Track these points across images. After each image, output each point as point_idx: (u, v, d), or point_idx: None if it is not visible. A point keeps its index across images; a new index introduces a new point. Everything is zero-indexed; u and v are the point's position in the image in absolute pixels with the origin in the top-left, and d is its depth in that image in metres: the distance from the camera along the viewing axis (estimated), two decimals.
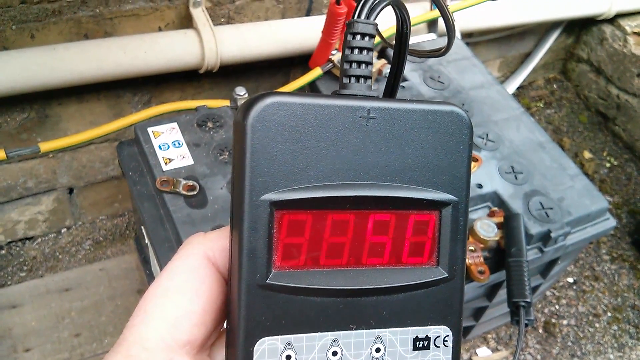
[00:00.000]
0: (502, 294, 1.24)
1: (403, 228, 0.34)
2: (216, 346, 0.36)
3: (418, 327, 0.35)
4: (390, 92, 0.39)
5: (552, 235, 1.16)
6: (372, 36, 0.34)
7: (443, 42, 1.46)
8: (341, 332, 0.33)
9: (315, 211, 0.32)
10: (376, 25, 0.34)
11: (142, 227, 1.22)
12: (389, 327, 0.34)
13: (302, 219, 0.32)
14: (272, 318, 0.32)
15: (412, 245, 0.35)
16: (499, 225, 1.15)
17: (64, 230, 1.71)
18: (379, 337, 0.34)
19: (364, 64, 0.34)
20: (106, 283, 1.58)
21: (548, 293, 1.83)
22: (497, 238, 1.13)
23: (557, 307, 1.80)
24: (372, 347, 0.34)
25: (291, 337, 0.32)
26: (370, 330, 0.34)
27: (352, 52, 0.34)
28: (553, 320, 1.76)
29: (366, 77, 0.35)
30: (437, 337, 0.35)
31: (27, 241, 1.68)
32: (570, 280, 1.88)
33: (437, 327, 0.35)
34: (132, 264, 1.62)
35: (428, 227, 0.35)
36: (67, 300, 1.54)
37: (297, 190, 0.32)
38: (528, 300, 1.05)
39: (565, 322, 1.77)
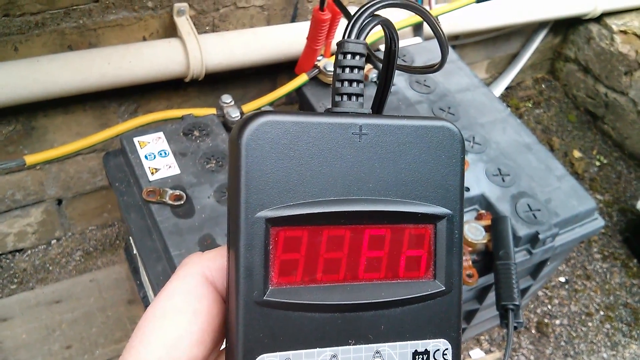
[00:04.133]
0: (492, 296, 1.23)
1: (399, 242, 0.34)
2: None
3: (417, 341, 0.35)
4: (377, 107, 0.39)
5: (540, 237, 1.17)
6: (362, 55, 0.35)
7: (428, 46, 1.45)
8: (340, 348, 0.33)
9: (311, 227, 0.33)
10: (366, 44, 0.35)
11: (130, 237, 1.21)
12: (387, 342, 0.34)
13: (298, 235, 0.33)
14: (270, 335, 0.32)
15: (409, 259, 0.35)
16: (487, 228, 1.15)
17: (53, 241, 1.71)
18: (378, 352, 0.34)
19: (355, 82, 0.35)
20: (97, 294, 1.57)
21: (540, 293, 1.83)
22: (485, 241, 1.13)
23: (549, 307, 1.80)
24: None
25: (290, 354, 0.32)
26: (369, 345, 0.34)
27: (343, 70, 0.35)
28: (546, 321, 1.76)
29: (358, 95, 0.35)
30: (437, 350, 0.35)
31: (17, 253, 1.67)
32: (562, 279, 1.88)
33: (436, 340, 0.35)
34: (123, 274, 1.62)
35: (424, 241, 0.35)
36: (58, 312, 1.53)
37: (292, 206, 0.32)
38: (516, 303, 1.05)
39: (558, 321, 1.77)
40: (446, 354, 0.35)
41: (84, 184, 1.64)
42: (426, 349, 0.35)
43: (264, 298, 0.32)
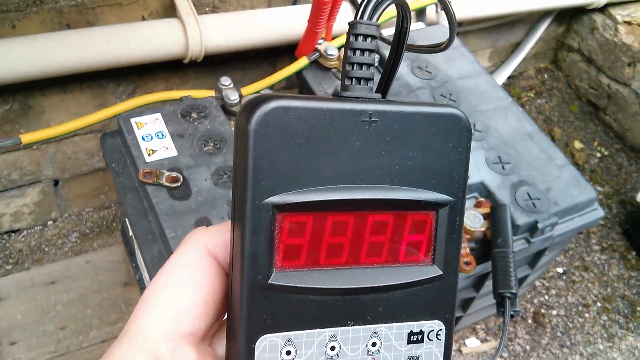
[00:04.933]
0: (489, 285, 1.23)
1: (401, 228, 0.35)
2: (217, 336, 0.37)
3: (413, 322, 0.36)
4: (384, 88, 0.39)
5: (539, 225, 1.16)
6: (374, 37, 0.34)
7: (431, 31, 1.44)
8: (339, 328, 0.34)
9: (316, 213, 0.33)
10: (379, 26, 0.34)
11: (126, 219, 1.20)
12: (385, 323, 0.35)
13: (303, 221, 0.33)
14: (273, 316, 0.33)
15: (409, 244, 0.36)
16: (486, 216, 1.14)
17: (50, 222, 1.70)
18: (375, 332, 0.35)
19: (365, 66, 0.35)
20: (92, 275, 1.57)
21: (537, 283, 1.83)
22: (483, 229, 1.13)
23: (546, 297, 1.80)
24: (369, 341, 0.35)
25: (291, 334, 0.33)
26: (367, 326, 0.35)
27: (354, 53, 0.34)
28: (542, 311, 1.76)
29: (368, 79, 0.35)
30: (431, 331, 0.36)
31: (13, 234, 1.67)
32: (560, 270, 1.88)
33: (430, 322, 0.36)
34: (119, 256, 1.61)
35: (425, 227, 0.36)
36: (53, 293, 1.52)
37: (299, 193, 0.32)
38: (513, 291, 1.04)
39: (554, 312, 1.77)
40: (439, 334, 0.37)
41: (81, 165, 1.63)
42: (421, 330, 0.36)
43: (269, 282, 0.32)
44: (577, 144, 2.25)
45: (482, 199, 1.18)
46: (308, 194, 0.32)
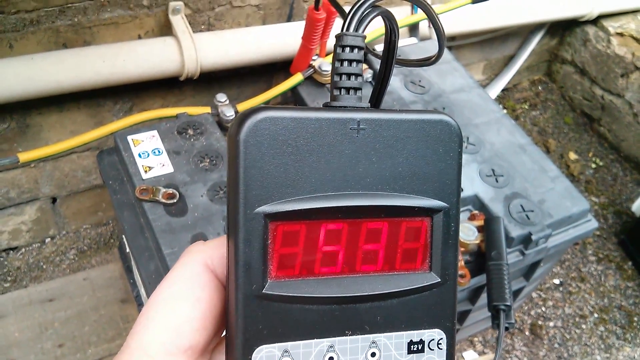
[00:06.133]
0: (485, 297, 1.23)
1: (395, 235, 0.35)
2: (217, 351, 0.37)
3: (412, 331, 0.35)
4: (375, 100, 0.40)
5: (533, 237, 1.17)
6: (361, 48, 0.35)
7: (424, 46, 1.46)
8: (337, 338, 0.34)
9: (309, 221, 0.33)
10: (365, 37, 0.35)
11: (124, 236, 1.21)
12: (383, 332, 0.35)
13: (296, 230, 0.33)
14: (269, 326, 0.33)
15: (405, 251, 0.35)
16: (480, 229, 1.15)
17: (47, 240, 1.70)
18: (374, 342, 0.35)
19: (353, 76, 0.35)
20: (90, 293, 1.57)
21: (534, 295, 1.83)
22: (477, 241, 1.13)
23: (543, 309, 1.80)
24: (368, 351, 0.35)
25: (288, 345, 0.33)
26: (366, 336, 0.34)
27: (341, 64, 0.35)
28: (539, 322, 1.76)
29: (356, 89, 0.35)
30: (431, 340, 0.36)
31: (11, 251, 1.67)
32: (557, 281, 1.88)
33: (431, 330, 0.36)
34: (116, 272, 1.61)
35: (420, 234, 0.35)
36: (51, 310, 1.53)
37: (291, 202, 0.32)
38: (508, 303, 1.05)
39: (551, 323, 1.77)
40: (440, 344, 0.36)
41: (79, 182, 1.64)
42: (421, 339, 0.36)
43: (263, 291, 0.32)
44: (572, 155, 2.27)
45: (476, 212, 1.19)
46: (299, 203, 0.32)
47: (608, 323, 1.79)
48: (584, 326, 1.78)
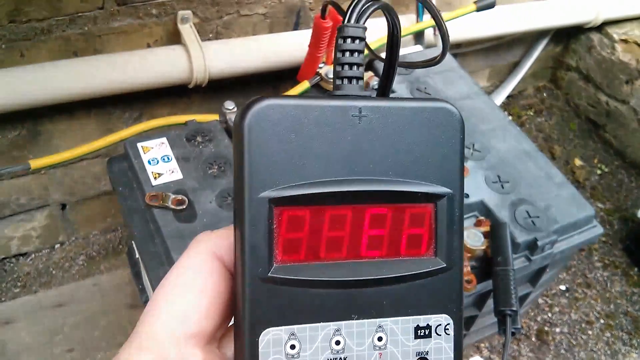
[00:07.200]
0: (491, 303, 1.24)
1: (400, 221, 0.35)
2: (225, 339, 0.38)
3: (419, 316, 0.36)
4: (382, 93, 0.41)
5: (539, 243, 1.17)
6: (362, 39, 0.36)
7: (431, 53, 1.48)
8: (343, 322, 0.34)
9: (313, 207, 0.34)
10: (366, 28, 0.36)
11: (133, 242, 1.22)
12: (390, 317, 0.35)
13: (301, 215, 0.34)
14: (275, 310, 0.33)
15: (410, 237, 0.36)
16: (486, 235, 1.16)
17: (57, 245, 1.72)
18: (380, 327, 0.35)
19: (355, 66, 0.36)
20: (99, 298, 1.58)
21: (540, 301, 1.83)
22: (483, 247, 1.14)
23: (549, 315, 1.81)
24: (374, 336, 0.35)
25: (295, 328, 0.33)
26: (372, 320, 0.35)
27: (343, 54, 0.36)
28: (546, 328, 1.77)
29: (358, 78, 0.36)
30: (438, 325, 0.36)
31: (21, 257, 1.69)
32: (563, 287, 1.89)
33: (437, 315, 0.36)
34: (125, 278, 1.63)
35: (424, 220, 0.36)
36: (61, 315, 1.54)
37: (295, 187, 0.33)
38: (514, 308, 1.06)
39: (558, 329, 1.77)
40: (448, 329, 0.36)
41: (88, 188, 1.65)
42: (428, 324, 0.36)
43: (269, 275, 0.33)
44: (578, 162, 2.27)
45: (482, 218, 1.20)
46: (303, 188, 0.33)
47: (614, 329, 1.80)
48: (590, 332, 1.78)
